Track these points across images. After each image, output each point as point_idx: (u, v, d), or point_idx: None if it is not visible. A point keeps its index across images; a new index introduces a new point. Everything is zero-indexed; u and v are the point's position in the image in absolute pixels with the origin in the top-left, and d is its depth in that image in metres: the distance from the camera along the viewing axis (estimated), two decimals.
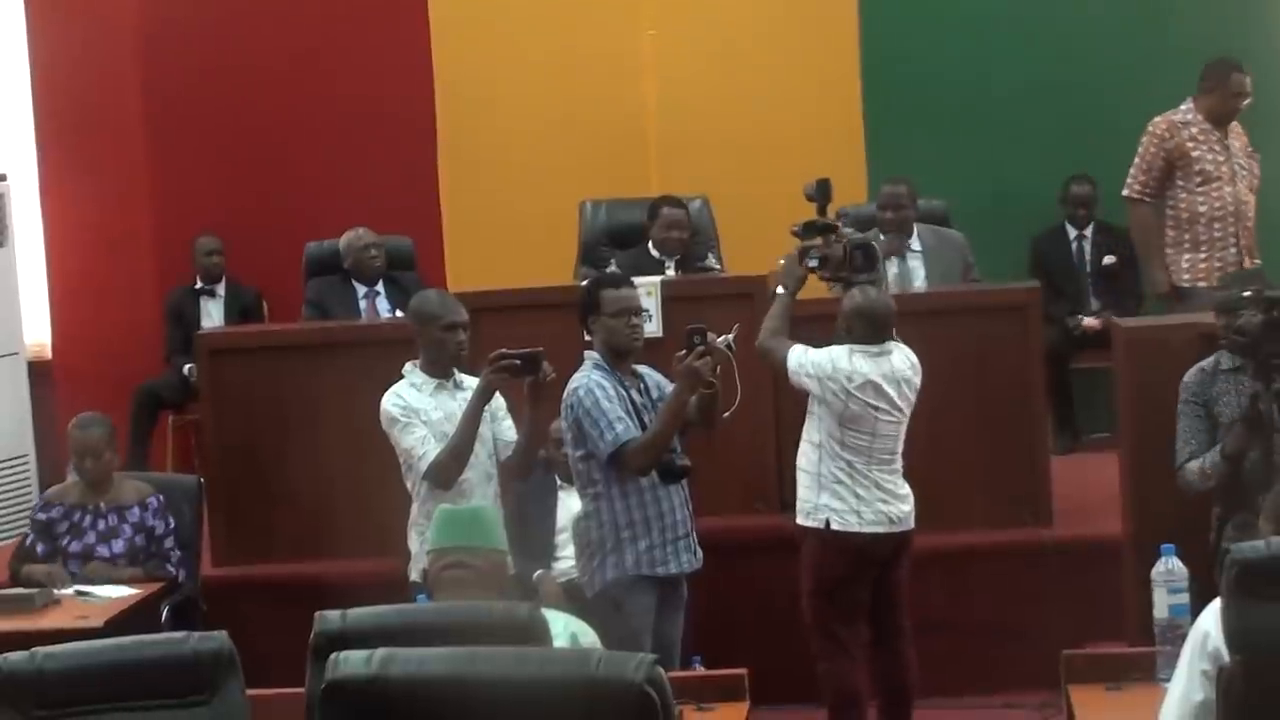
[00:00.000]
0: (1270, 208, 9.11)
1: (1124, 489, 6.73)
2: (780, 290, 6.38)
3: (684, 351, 5.66)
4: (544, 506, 6.74)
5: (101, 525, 6.70)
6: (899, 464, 6.13)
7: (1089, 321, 8.84)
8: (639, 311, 5.89)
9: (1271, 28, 9.31)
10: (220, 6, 9.69)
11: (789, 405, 6.78)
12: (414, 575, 5.88)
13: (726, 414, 5.87)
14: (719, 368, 5.73)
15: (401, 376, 6.12)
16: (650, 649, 5.60)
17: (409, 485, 6.11)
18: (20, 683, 3.50)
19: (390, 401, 6.05)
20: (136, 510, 6.73)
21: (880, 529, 6.07)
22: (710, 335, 5.68)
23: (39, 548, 6.71)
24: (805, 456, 6.14)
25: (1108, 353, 7.22)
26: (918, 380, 6.15)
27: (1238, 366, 5.91)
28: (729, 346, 5.76)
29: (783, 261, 6.40)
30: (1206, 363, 6.01)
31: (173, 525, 6.76)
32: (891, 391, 6.06)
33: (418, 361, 6.15)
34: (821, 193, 6.57)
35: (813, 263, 6.43)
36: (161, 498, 6.78)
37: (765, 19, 9.51)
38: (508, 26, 9.63)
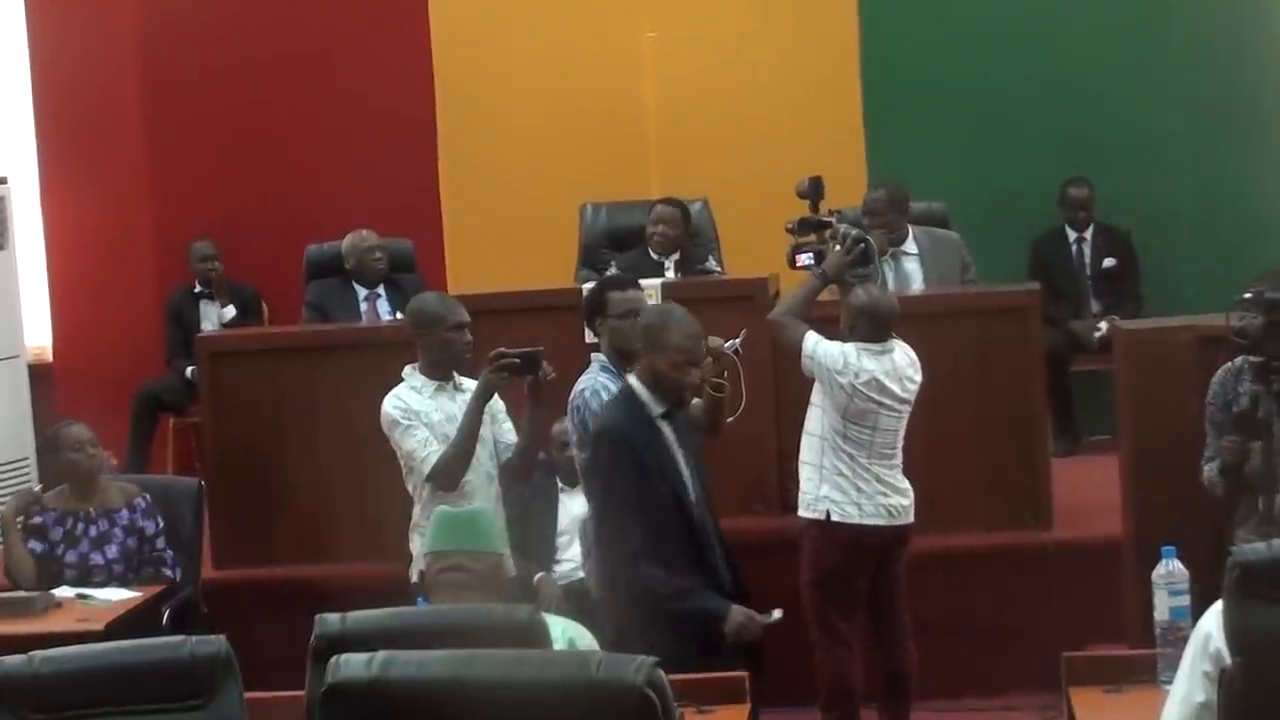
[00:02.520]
0: (1272, 208, 9.14)
1: (1124, 491, 6.73)
2: (817, 275, 6.37)
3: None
4: (544, 509, 6.74)
5: (93, 531, 6.69)
6: (899, 458, 6.15)
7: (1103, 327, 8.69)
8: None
9: (1271, 28, 9.31)
10: (220, 7, 9.70)
11: (790, 407, 6.78)
12: (415, 578, 5.88)
13: (731, 418, 5.87)
14: (725, 372, 5.73)
15: (401, 379, 6.13)
16: None
17: (410, 488, 6.11)
18: (16, 686, 3.49)
19: (391, 404, 6.06)
20: (125, 513, 6.71)
21: (880, 521, 6.09)
22: (715, 339, 5.68)
23: (33, 546, 6.69)
24: (808, 449, 6.17)
25: (1108, 355, 7.22)
26: (919, 377, 6.17)
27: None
28: (736, 351, 5.76)
29: (837, 248, 6.39)
30: (1235, 362, 5.95)
31: (161, 525, 6.75)
32: (895, 388, 6.08)
33: (416, 364, 6.15)
34: (814, 190, 6.58)
35: (806, 258, 6.43)
36: (148, 497, 6.77)
37: (765, 20, 9.51)
38: (508, 28, 9.63)
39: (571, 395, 5.83)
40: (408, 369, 6.15)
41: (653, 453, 5.28)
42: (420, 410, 6.04)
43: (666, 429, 5.33)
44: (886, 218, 8.02)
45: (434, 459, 5.97)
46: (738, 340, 5.79)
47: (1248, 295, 5.76)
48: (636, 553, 5.21)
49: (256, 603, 7.13)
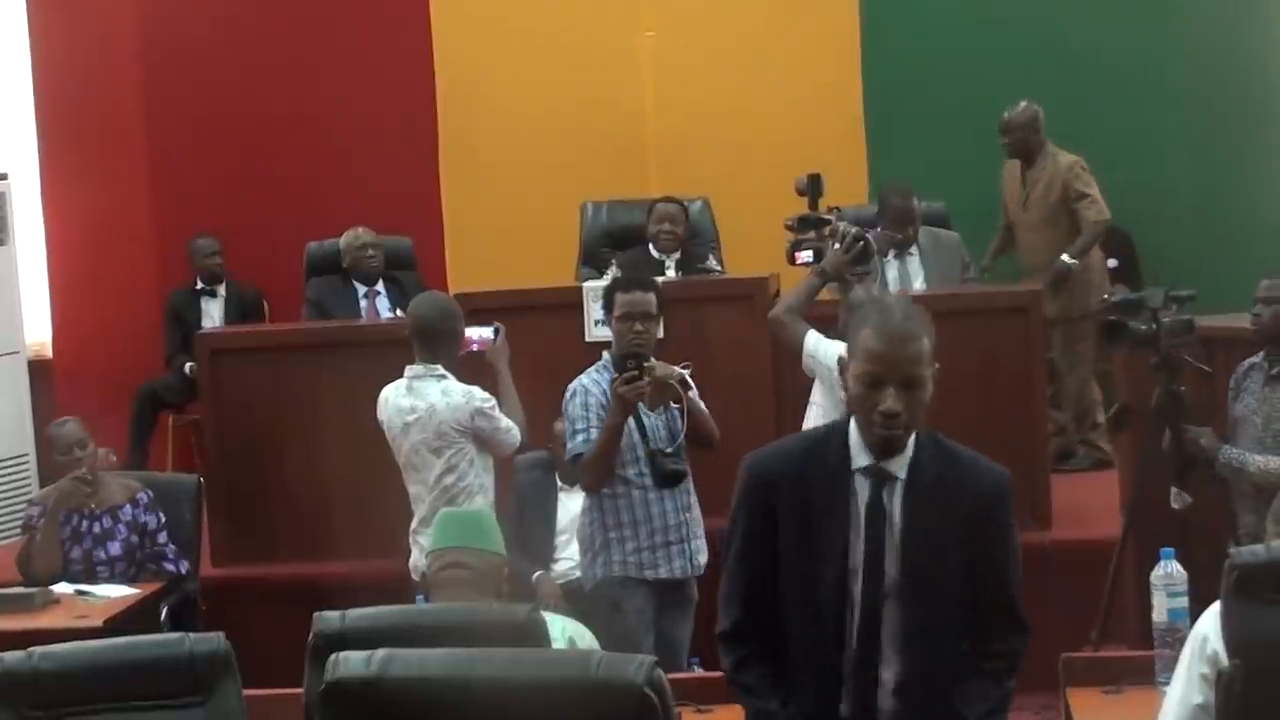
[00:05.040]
0: (1271, 208, 9.14)
1: (1122, 491, 6.73)
2: (816, 272, 6.37)
3: (615, 376, 5.68)
4: (543, 507, 6.75)
5: (97, 529, 6.70)
6: None
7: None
8: (644, 317, 5.85)
9: (1271, 28, 9.31)
10: (220, 7, 9.70)
11: (789, 407, 6.78)
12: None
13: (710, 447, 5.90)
14: (670, 401, 5.74)
15: (444, 377, 6.21)
16: (651, 649, 5.61)
17: (469, 478, 6.25)
18: (16, 682, 3.49)
19: (480, 398, 6.21)
20: (128, 509, 6.72)
21: None
22: (663, 366, 5.68)
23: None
24: None
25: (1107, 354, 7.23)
26: None
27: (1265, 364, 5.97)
28: (683, 382, 5.75)
29: (836, 247, 6.39)
30: (1246, 361, 6.03)
31: (163, 520, 6.76)
32: None
33: (430, 364, 6.19)
34: (812, 187, 6.58)
35: (805, 256, 6.42)
36: (150, 492, 6.79)
37: (765, 20, 9.51)
38: (508, 27, 9.64)
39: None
40: (435, 368, 6.18)
41: (806, 509, 3.65)
42: None
43: (864, 487, 3.64)
44: (919, 224, 8.09)
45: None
46: (685, 371, 5.79)
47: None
48: (725, 632, 3.75)
49: (255, 600, 7.14)
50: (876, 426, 3.58)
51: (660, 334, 6.90)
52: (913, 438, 3.65)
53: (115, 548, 6.68)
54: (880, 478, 3.64)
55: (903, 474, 3.64)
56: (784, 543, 3.65)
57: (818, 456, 3.68)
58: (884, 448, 3.61)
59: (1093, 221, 8.28)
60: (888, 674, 3.64)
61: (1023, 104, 8.47)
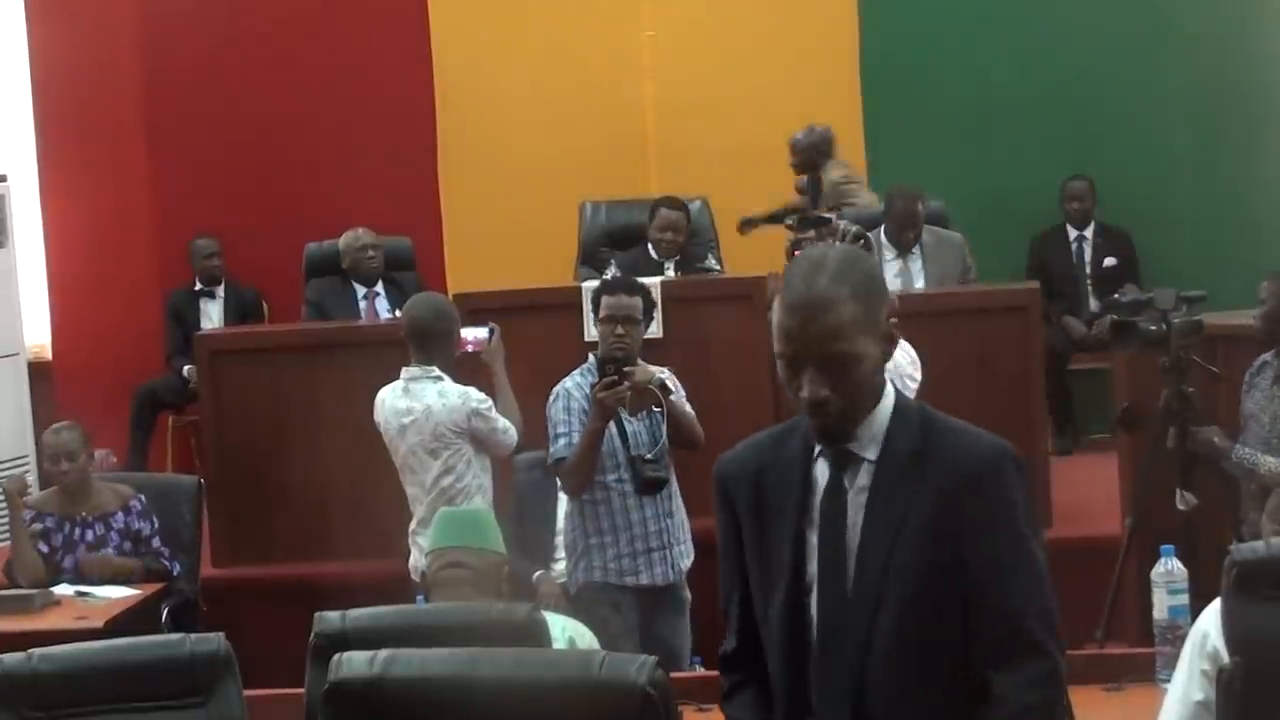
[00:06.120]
0: (1272, 208, 9.14)
1: (1123, 490, 6.73)
2: None
3: (595, 381, 5.67)
4: (543, 507, 6.74)
5: (90, 536, 6.66)
6: None
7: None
8: (628, 320, 5.84)
9: (1271, 27, 9.31)
10: (220, 7, 9.69)
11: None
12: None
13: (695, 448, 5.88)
14: (651, 405, 5.73)
15: (440, 378, 6.20)
16: (641, 652, 5.60)
17: (468, 479, 6.28)
18: (16, 683, 3.49)
19: (476, 399, 6.20)
20: (120, 516, 6.68)
21: None
22: (644, 370, 5.67)
23: (39, 548, 6.68)
24: None
25: (1107, 354, 7.23)
26: (919, 375, 6.15)
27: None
28: (662, 387, 5.73)
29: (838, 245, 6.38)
30: (1259, 359, 6.07)
31: (157, 525, 6.73)
32: (895, 384, 6.06)
33: (427, 365, 6.17)
34: (813, 187, 6.59)
35: None
36: (143, 498, 6.74)
37: (764, 20, 9.51)
38: (507, 27, 9.63)
39: None
40: (431, 369, 6.17)
41: (762, 510, 2.99)
42: None
43: (823, 473, 2.94)
44: (923, 225, 8.11)
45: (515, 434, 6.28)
46: (665, 377, 5.77)
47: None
48: (720, 657, 3.14)
49: (255, 600, 7.14)
50: (807, 415, 2.90)
51: (659, 334, 6.96)
52: (890, 410, 2.96)
53: (109, 554, 6.65)
54: (842, 460, 2.91)
55: (872, 454, 2.91)
56: (748, 552, 2.98)
57: (781, 446, 2.99)
58: (823, 438, 2.91)
59: None
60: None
61: (818, 129, 8.62)
